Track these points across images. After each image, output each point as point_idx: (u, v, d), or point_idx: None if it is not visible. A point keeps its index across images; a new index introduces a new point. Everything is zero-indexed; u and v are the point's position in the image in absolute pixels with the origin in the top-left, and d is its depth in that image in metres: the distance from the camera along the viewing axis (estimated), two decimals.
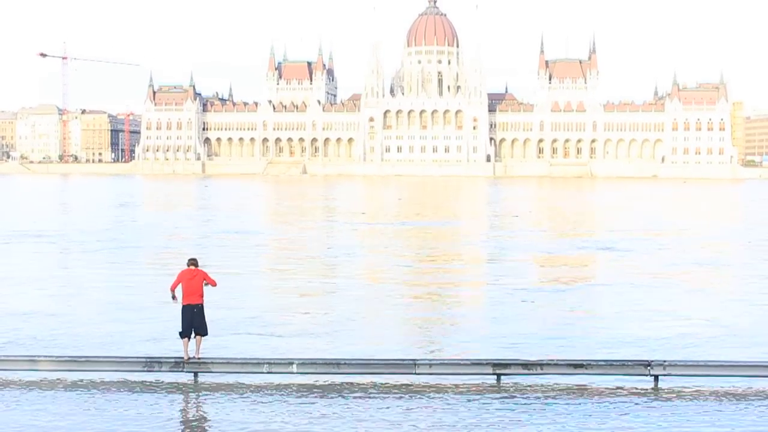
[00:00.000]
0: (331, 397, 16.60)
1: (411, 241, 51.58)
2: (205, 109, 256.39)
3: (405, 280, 33.97)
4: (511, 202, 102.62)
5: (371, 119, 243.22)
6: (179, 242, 49.46)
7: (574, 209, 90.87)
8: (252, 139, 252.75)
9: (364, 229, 59.99)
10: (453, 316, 26.11)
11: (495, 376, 17.51)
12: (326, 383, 17.36)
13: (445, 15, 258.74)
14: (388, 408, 15.97)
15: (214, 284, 17.95)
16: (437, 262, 41.05)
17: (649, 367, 17.36)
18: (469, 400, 16.44)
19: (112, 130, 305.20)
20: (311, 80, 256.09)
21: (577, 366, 17.53)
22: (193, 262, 17.86)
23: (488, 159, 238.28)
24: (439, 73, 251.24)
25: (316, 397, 16.62)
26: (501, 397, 16.63)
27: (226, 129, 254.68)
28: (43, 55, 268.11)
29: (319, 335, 22.44)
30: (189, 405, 16.53)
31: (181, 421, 15.61)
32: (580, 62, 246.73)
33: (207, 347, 18.39)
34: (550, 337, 22.24)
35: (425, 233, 57.87)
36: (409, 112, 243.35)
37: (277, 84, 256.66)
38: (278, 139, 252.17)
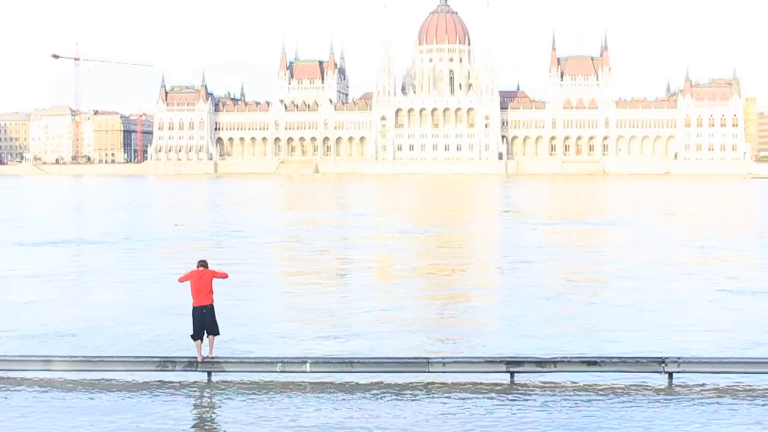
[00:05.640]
0: (345, 396, 16.58)
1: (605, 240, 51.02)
2: (217, 109, 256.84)
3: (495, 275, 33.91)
4: (632, 202, 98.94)
5: (383, 118, 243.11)
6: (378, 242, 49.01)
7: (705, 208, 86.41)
8: (264, 139, 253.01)
9: (544, 229, 58.79)
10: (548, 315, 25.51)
11: (508, 374, 17.46)
12: (339, 382, 17.34)
13: (457, 13, 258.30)
14: (401, 407, 15.94)
15: (225, 276, 18.14)
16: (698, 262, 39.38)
17: (663, 365, 17.26)
18: (482, 398, 16.40)
19: (124, 131, 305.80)
20: (323, 79, 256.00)
21: (591, 363, 17.46)
22: (202, 263, 17.88)
23: (500, 157, 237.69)
24: (451, 71, 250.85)
25: (329, 396, 16.61)
26: (514, 395, 16.58)
27: (238, 129, 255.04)
28: (55, 56, 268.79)
29: (332, 334, 22.41)
30: (202, 404, 16.55)
31: (194, 421, 15.63)
32: (592, 59, 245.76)
33: (220, 346, 18.40)
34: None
35: (607, 233, 56.44)
36: (421, 111, 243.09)
37: (289, 83, 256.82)
38: (290, 139, 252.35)
